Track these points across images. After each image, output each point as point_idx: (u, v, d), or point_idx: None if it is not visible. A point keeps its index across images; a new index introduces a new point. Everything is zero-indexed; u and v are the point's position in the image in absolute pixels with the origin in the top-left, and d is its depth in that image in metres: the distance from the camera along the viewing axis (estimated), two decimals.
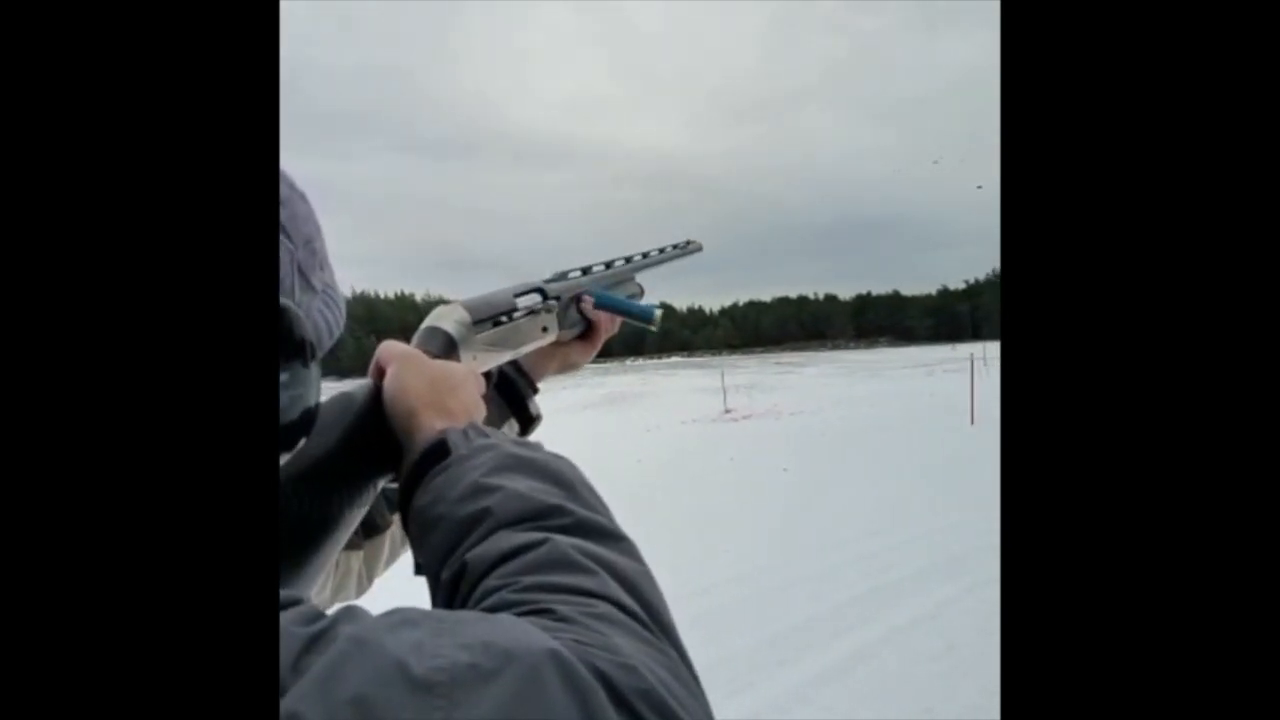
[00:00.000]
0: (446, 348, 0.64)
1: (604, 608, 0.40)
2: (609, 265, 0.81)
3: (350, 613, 0.34)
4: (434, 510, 0.48)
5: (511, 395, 0.77)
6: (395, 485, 0.56)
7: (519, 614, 0.38)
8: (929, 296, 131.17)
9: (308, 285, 0.53)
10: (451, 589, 0.44)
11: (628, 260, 0.82)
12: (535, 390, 0.79)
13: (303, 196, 0.53)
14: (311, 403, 0.48)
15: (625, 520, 0.51)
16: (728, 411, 16.74)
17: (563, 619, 0.38)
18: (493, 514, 0.45)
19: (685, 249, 0.89)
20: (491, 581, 0.42)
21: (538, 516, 0.46)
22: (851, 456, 9.27)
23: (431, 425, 0.54)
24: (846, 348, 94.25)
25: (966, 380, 13.35)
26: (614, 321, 0.81)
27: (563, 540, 0.43)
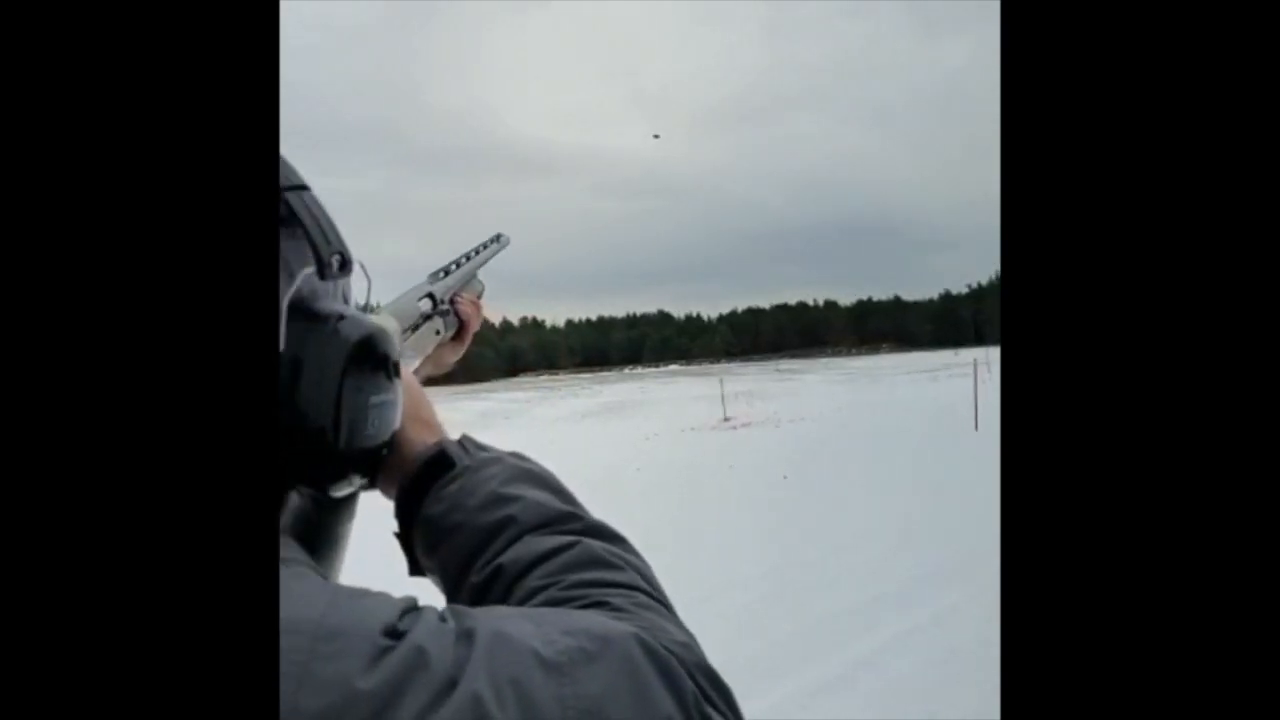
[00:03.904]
0: None
1: (642, 598, 0.45)
2: (459, 265, 0.84)
3: (461, 610, 0.39)
4: (451, 518, 0.51)
5: None
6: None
7: (577, 608, 0.43)
8: (931, 301, 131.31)
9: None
10: (484, 589, 0.48)
11: (468, 258, 0.86)
12: None
13: None
14: (398, 423, 0.51)
15: (624, 528, 0.53)
16: (727, 419, 16.75)
17: (619, 609, 0.43)
18: (517, 521, 0.50)
19: (499, 242, 0.92)
20: (533, 581, 0.46)
21: (556, 522, 0.51)
22: (853, 464, 9.26)
23: (420, 437, 0.57)
24: (847, 354, 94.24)
25: (970, 386, 13.37)
26: (479, 319, 0.84)
27: (590, 542, 0.49)
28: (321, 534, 0.51)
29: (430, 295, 0.76)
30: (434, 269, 0.80)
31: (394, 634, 0.35)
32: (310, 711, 0.32)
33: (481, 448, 0.57)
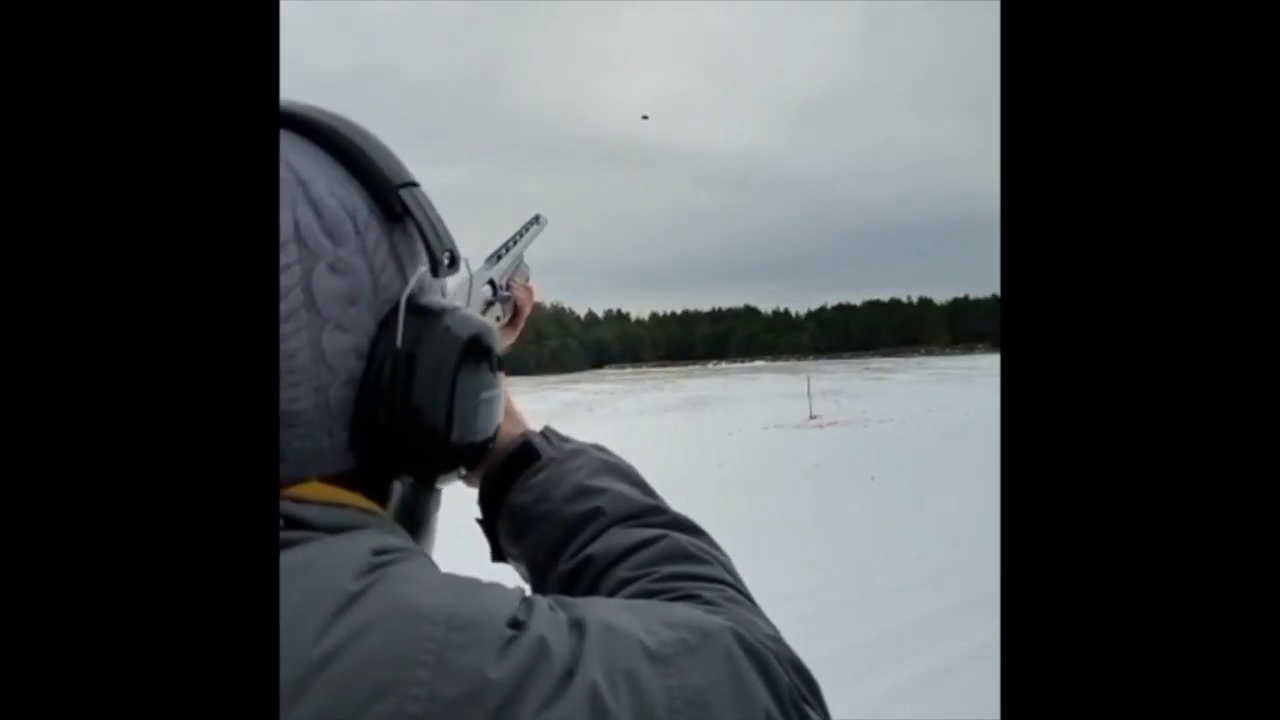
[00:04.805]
0: None
1: (730, 592, 0.46)
2: (508, 249, 0.82)
3: (565, 600, 0.40)
4: (539, 508, 0.53)
5: None
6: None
7: (668, 600, 0.44)
8: None
9: None
10: (573, 578, 0.49)
11: (514, 241, 0.83)
12: None
13: None
14: (501, 417, 0.52)
15: (705, 524, 0.54)
16: (813, 418, 16.45)
17: (710, 603, 0.44)
18: (605, 513, 0.51)
19: (539, 223, 0.88)
20: (623, 572, 0.47)
21: (642, 515, 0.52)
22: (943, 466, 8.95)
23: (504, 429, 0.57)
24: (941, 354, 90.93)
25: None
26: (531, 303, 0.83)
27: (677, 535, 0.50)
28: (418, 520, 0.53)
29: (491, 282, 0.75)
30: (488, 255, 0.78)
31: (516, 625, 0.36)
32: (448, 699, 0.33)
33: (564, 439, 0.58)
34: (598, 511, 0.51)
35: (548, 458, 0.55)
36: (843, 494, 7.66)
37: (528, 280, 0.83)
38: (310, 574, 0.35)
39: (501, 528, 0.55)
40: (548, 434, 0.58)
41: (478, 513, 0.58)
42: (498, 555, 0.57)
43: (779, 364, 78.60)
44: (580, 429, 0.62)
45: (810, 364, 64.83)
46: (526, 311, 0.81)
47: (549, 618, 0.37)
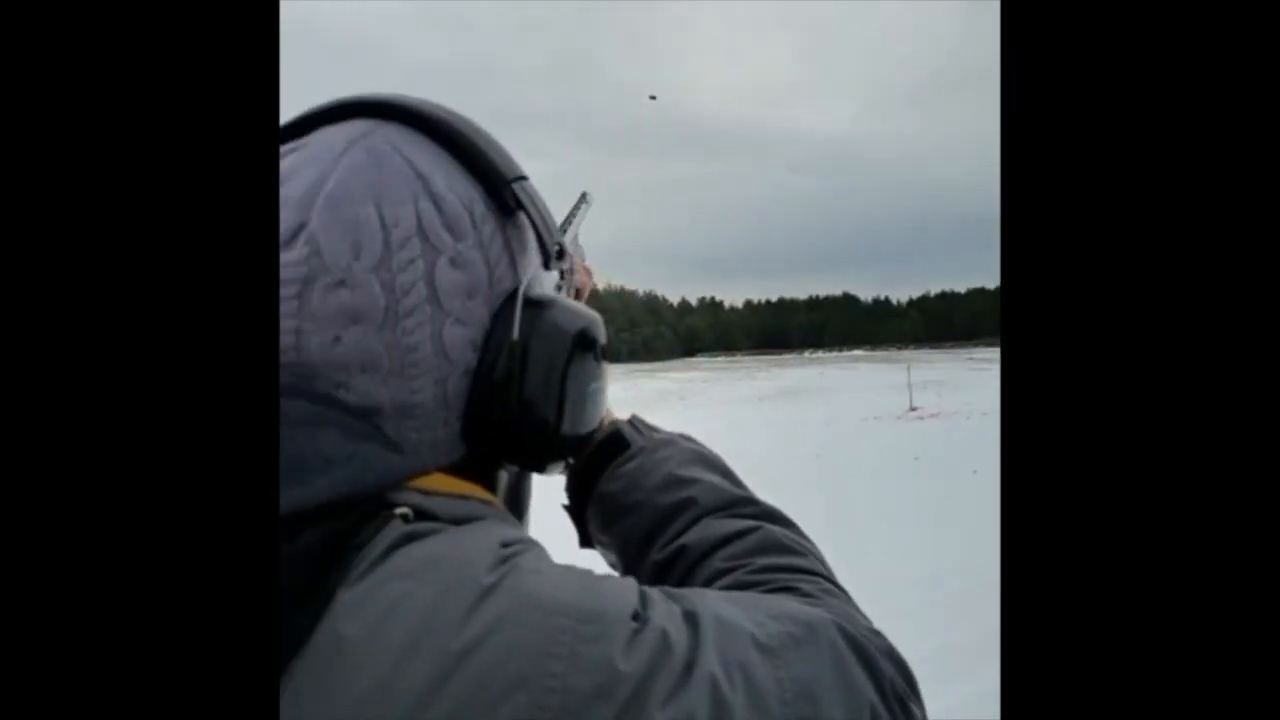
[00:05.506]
0: None
1: (825, 584, 0.46)
2: (564, 231, 0.78)
3: (673, 592, 0.40)
4: (630, 497, 0.53)
5: None
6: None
7: (765, 591, 0.44)
8: None
9: None
10: (666, 567, 0.50)
11: (568, 223, 0.80)
12: None
13: None
14: (605, 407, 0.53)
15: (801, 516, 0.53)
16: (913, 409, 15.91)
17: (808, 595, 0.44)
18: (698, 503, 0.51)
19: (587, 201, 0.85)
20: (719, 563, 0.47)
21: (734, 505, 0.52)
22: None
23: None
24: None
25: None
26: (590, 284, 0.80)
27: (771, 527, 0.50)
28: (519, 508, 0.54)
29: None
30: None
31: (637, 617, 0.36)
32: (581, 691, 0.33)
33: (652, 429, 0.58)
34: (690, 501, 0.51)
35: (638, 447, 0.55)
36: (944, 487, 7.40)
37: (584, 260, 0.81)
38: (443, 567, 0.36)
39: (591, 515, 0.56)
40: (636, 423, 0.59)
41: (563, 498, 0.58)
42: (585, 541, 0.58)
43: (878, 353, 76.36)
44: (672, 417, 0.62)
45: (911, 353, 62.70)
46: (586, 293, 0.80)
47: (665, 609, 0.37)
